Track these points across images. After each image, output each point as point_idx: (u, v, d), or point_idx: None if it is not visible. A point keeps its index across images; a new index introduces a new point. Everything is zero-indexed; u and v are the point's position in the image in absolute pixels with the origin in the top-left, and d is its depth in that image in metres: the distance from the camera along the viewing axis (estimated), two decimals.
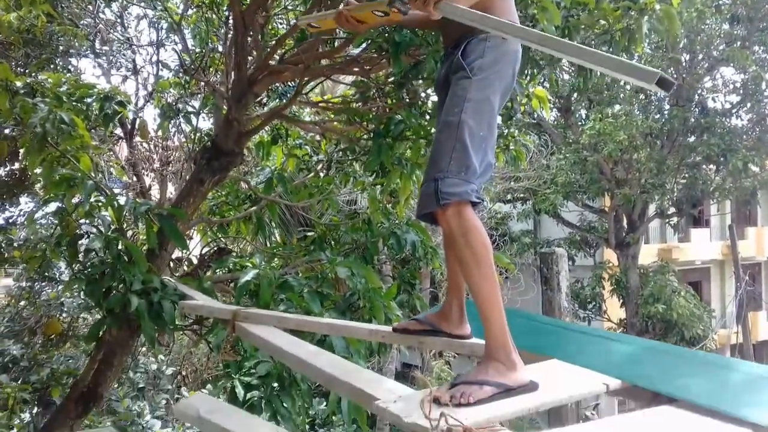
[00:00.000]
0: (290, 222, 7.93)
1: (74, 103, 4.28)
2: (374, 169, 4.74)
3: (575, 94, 17.55)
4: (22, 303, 7.87)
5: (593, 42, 3.86)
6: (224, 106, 4.38)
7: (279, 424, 3.48)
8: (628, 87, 17.14)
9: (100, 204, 3.94)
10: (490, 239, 2.00)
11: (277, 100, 6.76)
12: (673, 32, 3.71)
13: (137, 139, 9.24)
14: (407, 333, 2.48)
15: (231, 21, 4.42)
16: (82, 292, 5.72)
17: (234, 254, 5.51)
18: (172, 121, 5.88)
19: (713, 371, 2.01)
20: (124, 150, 9.45)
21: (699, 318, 16.53)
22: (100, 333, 3.98)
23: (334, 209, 5.88)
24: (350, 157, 5.36)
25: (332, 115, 5.20)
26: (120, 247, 3.76)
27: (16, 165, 7.72)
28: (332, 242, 5.26)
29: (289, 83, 6.24)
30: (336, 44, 4.39)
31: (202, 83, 5.28)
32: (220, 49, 5.38)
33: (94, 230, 3.85)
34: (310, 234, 5.48)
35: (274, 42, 4.55)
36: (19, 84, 4.29)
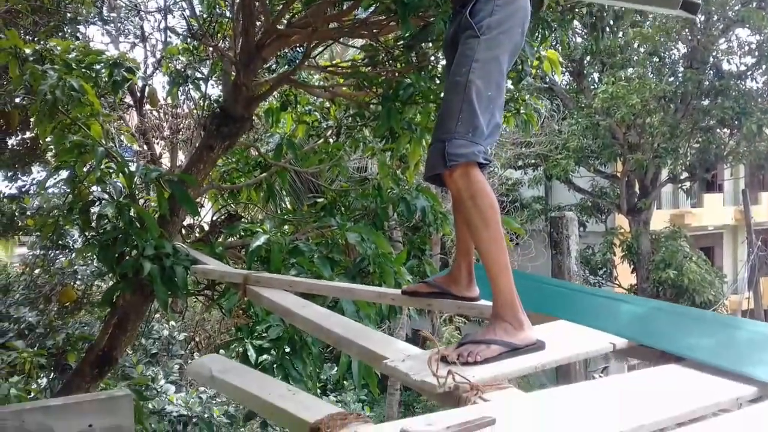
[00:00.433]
0: (300, 189, 7.95)
1: (83, 70, 4.28)
2: (383, 135, 4.72)
3: (588, 57, 17.32)
4: (37, 271, 7.97)
5: None
6: (233, 72, 4.36)
7: None
8: (641, 49, 16.90)
9: (111, 171, 3.96)
10: (501, 206, 2.00)
11: (286, 67, 6.73)
12: None
13: (147, 107, 9.24)
14: (416, 296, 2.50)
15: None
16: (95, 259, 5.79)
17: (245, 221, 5.54)
18: (181, 88, 5.87)
19: (720, 330, 2.01)
20: (135, 118, 9.47)
21: (710, 283, 16.49)
22: (114, 298, 4.03)
23: (344, 176, 5.88)
24: (360, 123, 5.34)
25: (341, 80, 5.17)
26: (132, 213, 3.79)
27: (28, 134, 7.76)
28: (342, 208, 5.27)
29: (297, 49, 6.20)
30: (344, 7, 4.35)
31: (211, 49, 5.26)
32: (228, 14, 5.35)
33: (106, 197, 3.88)
34: (320, 200, 5.49)
35: (281, 6, 4.52)
36: (28, 51, 4.30)
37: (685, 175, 18.77)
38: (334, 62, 5.31)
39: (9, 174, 7.92)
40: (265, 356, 4.05)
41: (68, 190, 4.15)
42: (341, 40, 5.00)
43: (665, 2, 1.51)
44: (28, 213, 7.80)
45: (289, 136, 5.20)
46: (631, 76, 16.44)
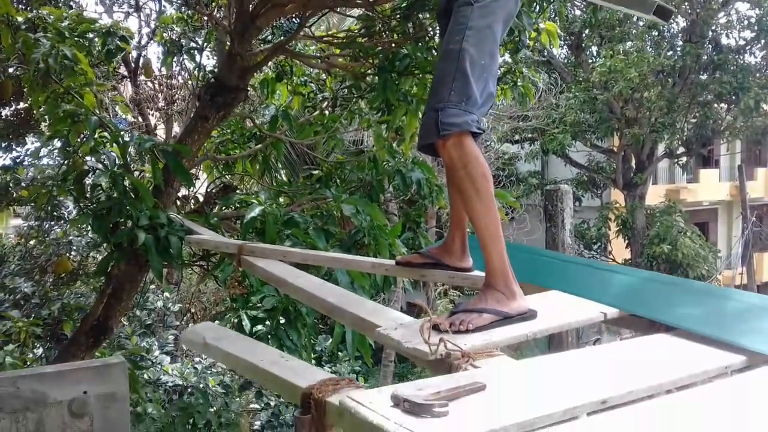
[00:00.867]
0: (296, 161, 7.93)
1: (76, 39, 4.23)
2: (379, 106, 4.70)
3: (586, 30, 17.20)
4: (32, 242, 7.97)
5: None
6: (227, 41, 4.32)
7: None
8: (640, 23, 16.78)
9: (104, 141, 3.94)
10: (497, 180, 2.00)
11: (282, 38, 6.66)
12: None
13: (141, 78, 9.17)
14: (410, 266, 2.51)
15: None
16: (89, 229, 5.79)
17: (240, 192, 5.53)
18: (176, 59, 5.82)
19: (710, 300, 2.03)
20: (129, 89, 9.40)
21: (704, 258, 16.59)
22: (109, 268, 4.03)
23: (339, 148, 5.86)
24: (356, 95, 5.31)
25: (337, 51, 5.13)
26: (126, 183, 3.78)
27: (22, 105, 7.70)
28: (338, 180, 5.26)
29: (293, 19, 6.14)
30: None
31: (205, 18, 5.20)
32: None
33: (100, 167, 3.86)
34: (315, 172, 5.48)
35: None
36: (20, 19, 4.24)
37: (681, 150, 18.77)
38: (330, 33, 5.26)
39: (3, 145, 7.88)
40: (259, 327, 4.07)
41: (62, 160, 4.13)
42: (337, 9, 4.94)
43: (639, 6, 1.50)
44: (23, 184, 7.77)
45: (284, 108, 5.17)
46: (629, 49, 16.34)
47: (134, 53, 8.84)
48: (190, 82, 7.75)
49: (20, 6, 6.53)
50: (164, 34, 5.63)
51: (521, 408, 1.30)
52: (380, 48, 4.53)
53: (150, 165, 4.11)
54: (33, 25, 4.24)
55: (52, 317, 6.20)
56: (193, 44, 5.16)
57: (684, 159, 19.50)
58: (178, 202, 4.93)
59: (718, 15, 17.13)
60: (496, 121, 14.14)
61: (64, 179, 3.98)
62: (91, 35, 4.33)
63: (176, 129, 9.56)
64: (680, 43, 17.32)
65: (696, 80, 16.98)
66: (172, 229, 3.69)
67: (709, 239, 20.13)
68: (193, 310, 10.26)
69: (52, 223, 7.78)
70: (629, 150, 18.01)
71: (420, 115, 4.56)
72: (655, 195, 19.07)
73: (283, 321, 3.97)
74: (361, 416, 1.30)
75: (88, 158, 3.99)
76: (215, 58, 6.46)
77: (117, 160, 3.90)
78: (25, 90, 5.46)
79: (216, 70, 4.85)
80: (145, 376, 6.38)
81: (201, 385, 6.65)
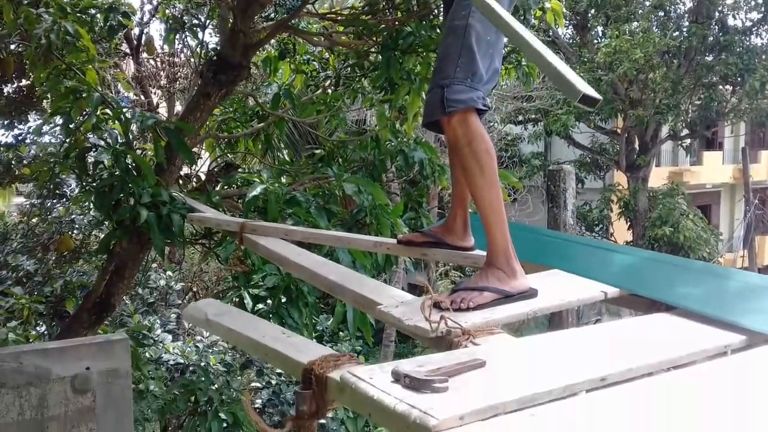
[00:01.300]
0: (298, 140, 7.91)
1: (78, 15, 4.21)
2: (382, 85, 4.67)
3: (592, 10, 17.06)
4: (34, 220, 7.97)
5: None
6: (230, 18, 4.29)
7: None
8: (647, 2, 16.64)
9: (107, 118, 3.93)
10: (500, 161, 1.99)
11: (285, 15, 6.62)
12: None
13: (144, 55, 9.13)
14: (411, 245, 2.51)
15: None
16: (91, 207, 5.79)
17: (242, 170, 5.53)
18: (179, 36, 5.78)
19: (711, 280, 2.03)
20: (131, 67, 9.37)
21: (706, 241, 16.59)
22: (111, 245, 4.04)
23: (342, 127, 5.84)
24: (359, 73, 5.28)
25: (341, 29, 5.10)
26: (128, 160, 3.77)
27: (24, 82, 7.67)
28: (340, 160, 5.25)
29: None
30: None
31: None
32: None
33: (102, 144, 3.86)
34: (318, 152, 5.46)
35: None
36: None
37: (685, 132, 18.69)
38: (333, 10, 5.23)
39: (5, 122, 7.86)
40: (261, 305, 4.08)
41: (64, 138, 4.12)
42: None
43: (567, 91, 1.48)
44: (25, 162, 7.76)
45: (287, 86, 5.15)
46: (635, 30, 16.22)
47: (136, 30, 8.79)
48: (192, 59, 7.71)
49: None
50: (167, 11, 5.59)
51: (521, 384, 1.31)
52: (384, 26, 4.50)
53: (152, 143, 4.10)
54: (35, 0, 4.22)
55: (54, 295, 6.22)
56: (195, 21, 5.12)
57: (688, 141, 19.43)
58: (181, 181, 4.93)
59: None
60: (500, 102, 14.08)
61: (66, 156, 3.97)
62: (93, 11, 4.31)
63: (178, 107, 9.54)
64: (686, 23, 17.18)
65: (701, 61, 16.87)
66: (174, 207, 3.69)
67: (711, 222, 20.12)
68: (195, 289, 10.30)
69: (55, 201, 7.79)
70: (633, 132, 17.94)
71: (423, 94, 4.54)
72: (658, 177, 19.03)
73: (284, 300, 3.98)
74: (361, 391, 1.31)
75: (90, 135, 3.98)
76: (218, 35, 6.42)
77: (119, 137, 3.89)
78: (27, 67, 5.45)
79: (218, 47, 4.82)
80: (147, 354, 6.40)
81: (202, 364, 6.68)
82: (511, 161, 18.24)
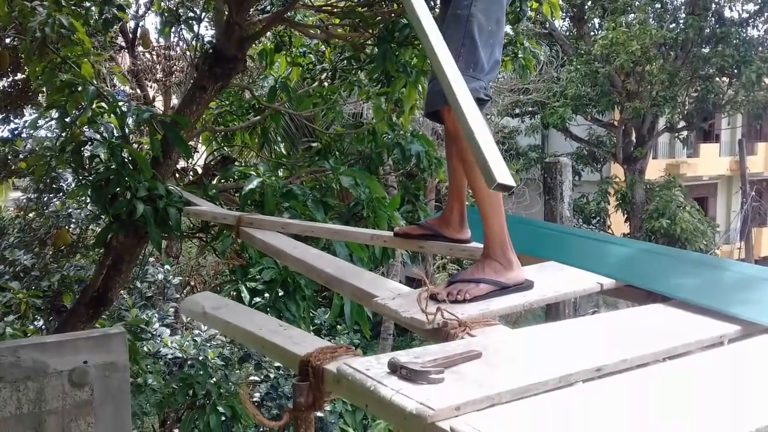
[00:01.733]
0: (295, 134, 7.90)
1: (73, 8, 4.19)
2: (379, 78, 4.67)
3: (589, 2, 17.04)
4: (31, 215, 7.96)
5: None
6: (225, 11, 4.28)
7: None
8: None
9: (102, 111, 3.92)
10: None
11: (280, 7, 6.59)
12: None
13: (139, 48, 9.09)
14: (408, 237, 2.51)
15: None
16: (88, 201, 5.78)
17: (238, 164, 5.52)
18: (174, 29, 5.76)
19: (706, 271, 2.04)
20: (127, 60, 9.33)
21: (702, 233, 16.61)
22: (108, 239, 4.04)
23: (339, 120, 5.84)
24: (355, 66, 5.27)
25: (337, 21, 5.08)
26: (124, 154, 3.76)
27: (19, 76, 7.64)
28: (337, 153, 5.24)
29: None
30: None
31: None
32: None
33: (98, 137, 3.85)
34: (314, 145, 5.46)
35: None
36: None
37: (682, 124, 18.70)
38: (329, 2, 5.21)
39: (1, 116, 7.83)
40: (258, 298, 4.09)
41: (60, 131, 4.11)
42: None
43: (485, 176, 1.49)
44: (21, 156, 7.74)
45: (283, 79, 5.14)
46: (632, 22, 16.20)
47: (132, 23, 8.76)
48: (188, 52, 7.69)
49: None
50: (162, 4, 5.57)
51: (516, 375, 1.31)
52: (380, 18, 4.49)
53: (148, 136, 4.09)
54: None
55: (51, 289, 6.22)
56: (191, 14, 5.10)
57: (684, 133, 19.43)
58: (177, 174, 4.93)
59: None
60: (497, 94, 14.06)
61: (63, 150, 3.96)
62: (87, 4, 4.29)
63: (174, 100, 9.50)
64: (683, 15, 17.16)
65: (698, 53, 16.85)
66: (171, 200, 3.69)
67: (708, 214, 20.15)
68: (192, 283, 10.30)
69: (51, 195, 7.77)
70: (630, 124, 17.94)
71: (420, 87, 4.54)
72: (655, 169, 19.05)
73: (281, 293, 3.99)
74: (358, 383, 1.32)
75: (86, 129, 3.97)
76: (213, 28, 6.40)
77: (115, 131, 3.88)
78: (22, 60, 5.43)
79: (214, 40, 4.80)
80: (146, 348, 6.41)
81: (201, 358, 6.69)
82: (508, 154, 18.22)
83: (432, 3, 4.43)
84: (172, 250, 9.19)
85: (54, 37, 3.80)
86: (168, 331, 7.32)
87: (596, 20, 18.07)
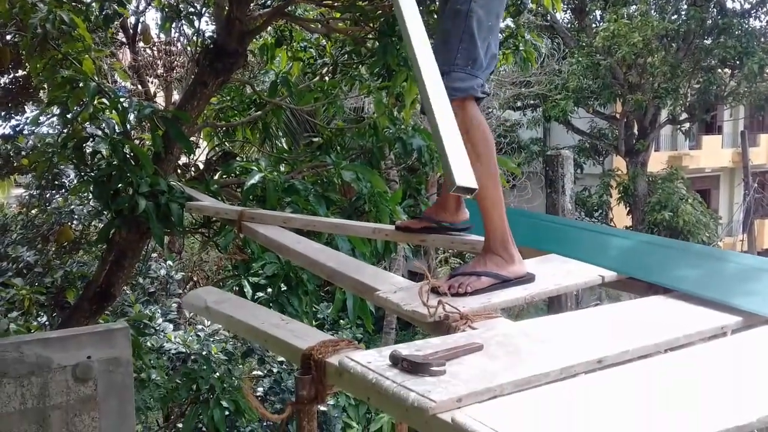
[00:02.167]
0: (296, 129, 7.90)
1: (74, 4, 4.20)
2: (380, 72, 4.66)
3: None
4: (34, 211, 7.97)
5: None
6: (225, 5, 4.27)
7: None
8: None
9: (104, 107, 3.92)
10: (498, 147, 1.98)
11: (281, 1, 6.58)
12: None
13: (140, 44, 9.10)
14: (409, 231, 2.51)
15: None
16: (90, 196, 5.79)
17: (240, 159, 5.52)
18: (175, 24, 5.75)
19: (708, 263, 2.04)
20: (128, 57, 9.33)
21: (705, 225, 16.59)
22: (110, 235, 4.05)
23: (340, 115, 5.83)
24: (356, 60, 5.27)
25: (337, 15, 5.08)
26: (126, 150, 3.77)
27: (20, 72, 7.64)
28: (338, 148, 5.24)
29: None
30: None
31: None
32: None
33: (100, 133, 3.85)
34: (316, 139, 5.46)
35: None
36: None
37: (684, 116, 18.66)
38: None
39: (2, 113, 7.84)
40: (261, 293, 4.10)
41: (62, 128, 4.11)
42: None
43: (446, 177, 1.51)
44: (23, 153, 7.75)
45: (284, 74, 5.13)
46: (633, 13, 16.15)
47: (132, 19, 8.76)
48: (189, 48, 7.68)
49: None
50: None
51: (518, 367, 1.32)
52: (381, 12, 4.48)
53: (150, 132, 4.10)
54: None
55: (55, 285, 6.23)
56: (191, 9, 5.10)
57: (687, 125, 19.39)
58: (179, 170, 4.93)
59: None
60: (498, 87, 14.03)
61: (64, 146, 3.97)
62: (88, 0, 4.30)
63: (176, 96, 9.51)
64: (685, 6, 17.10)
65: (700, 45, 16.80)
66: (173, 196, 3.69)
67: (711, 206, 20.12)
68: (195, 279, 10.32)
69: (53, 191, 7.78)
70: (632, 116, 17.90)
71: None
72: (657, 162, 19.02)
73: (284, 287, 3.99)
74: (360, 375, 1.32)
75: (87, 125, 3.97)
76: (214, 23, 6.40)
77: (116, 127, 3.89)
78: (23, 57, 5.43)
79: (215, 35, 4.80)
80: (149, 343, 6.42)
81: (204, 353, 6.70)
82: (510, 147, 18.19)
83: None
84: (175, 245, 9.20)
85: (55, 33, 3.80)
86: (171, 326, 7.34)
87: (597, 12, 18.02)
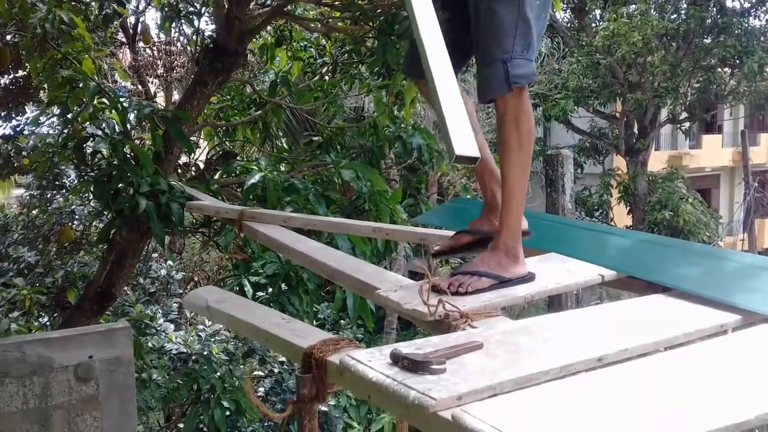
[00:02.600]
0: (296, 128, 7.90)
1: (73, 3, 4.20)
2: (380, 71, 4.66)
3: None
4: (35, 211, 7.98)
5: None
6: (225, 5, 4.28)
7: None
8: None
9: (104, 107, 3.93)
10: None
11: (281, 1, 6.58)
12: None
13: (140, 44, 9.10)
14: (453, 253, 2.18)
15: None
16: (91, 196, 5.80)
17: (240, 159, 5.53)
18: (174, 23, 5.76)
19: (708, 261, 2.04)
20: (128, 56, 9.34)
21: (705, 225, 16.58)
22: (111, 234, 4.05)
23: (340, 114, 5.84)
24: (356, 59, 5.27)
25: (337, 14, 5.08)
26: (126, 150, 3.77)
27: (20, 72, 7.65)
28: (338, 147, 5.25)
29: None
30: None
31: None
32: None
33: (100, 133, 3.86)
34: (316, 139, 5.46)
35: None
36: None
37: (684, 115, 18.65)
38: None
39: (2, 114, 7.85)
40: (261, 293, 4.10)
41: (62, 128, 4.12)
42: None
43: (447, 148, 1.44)
44: (24, 153, 7.75)
45: (284, 73, 5.14)
46: (633, 12, 16.15)
47: (132, 19, 8.76)
48: (188, 47, 7.69)
49: None
50: None
51: (518, 365, 1.32)
52: (380, 10, 4.48)
53: (150, 132, 4.10)
54: None
55: (56, 285, 6.23)
56: (191, 8, 5.10)
57: (687, 124, 19.38)
58: (179, 169, 4.93)
59: None
60: None
61: (65, 146, 3.97)
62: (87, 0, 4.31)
63: (176, 96, 9.51)
64: (684, 5, 17.10)
65: (700, 44, 16.80)
66: (173, 195, 3.69)
67: (711, 205, 20.11)
68: (196, 279, 10.32)
69: (54, 192, 7.79)
70: (632, 116, 17.90)
71: None
72: (657, 161, 19.01)
73: (285, 287, 4.00)
74: (360, 374, 1.32)
75: (87, 125, 3.98)
76: (214, 23, 6.40)
77: (116, 126, 3.89)
78: (23, 57, 5.43)
79: (214, 34, 4.81)
80: (150, 343, 6.42)
81: (205, 353, 6.70)
82: None
83: None
84: (175, 245, 9.20)
85: (54, 33, 3.81)
86: (172, 326, 7.34)
87: (597, 11, 18.01)
